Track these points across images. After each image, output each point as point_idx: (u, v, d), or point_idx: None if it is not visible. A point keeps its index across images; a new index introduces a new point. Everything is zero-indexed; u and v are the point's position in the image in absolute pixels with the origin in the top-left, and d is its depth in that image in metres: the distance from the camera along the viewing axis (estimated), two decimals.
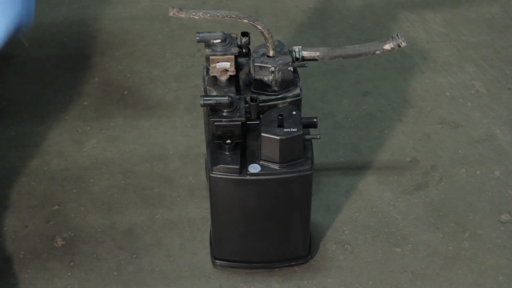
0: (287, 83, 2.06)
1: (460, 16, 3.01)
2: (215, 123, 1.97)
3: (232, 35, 2.09)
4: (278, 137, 1.93)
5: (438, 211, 2.33)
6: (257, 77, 2.05)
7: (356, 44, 2.27)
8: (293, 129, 1.94)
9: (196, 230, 2.27)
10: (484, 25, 2.97)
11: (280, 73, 2.03)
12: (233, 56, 2.03)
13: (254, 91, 2.06)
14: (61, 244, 2.24)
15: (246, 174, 1.97)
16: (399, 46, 2.05)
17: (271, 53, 2.05)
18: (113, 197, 2.36)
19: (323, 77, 2.75)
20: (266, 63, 2.03)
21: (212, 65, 2.04)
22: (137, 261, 2.20)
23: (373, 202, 2.35)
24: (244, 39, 2.11)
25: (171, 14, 1.97)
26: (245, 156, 1.99)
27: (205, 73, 2.10)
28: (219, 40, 2.04)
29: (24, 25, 2.17)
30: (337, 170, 2.44)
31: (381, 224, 2.29)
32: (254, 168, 1.97)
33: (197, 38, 2.04)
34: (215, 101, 1.96)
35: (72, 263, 2.20)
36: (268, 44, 2.04)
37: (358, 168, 2.44)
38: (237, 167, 1.96)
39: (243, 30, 2.12)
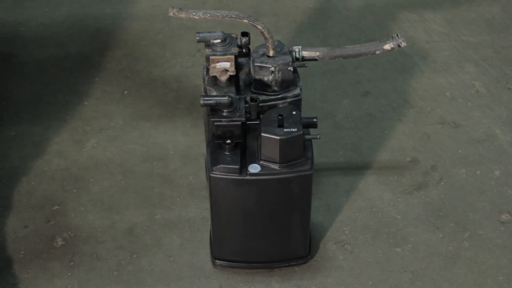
0: (287, 83, 2.06)
1: (460, 16, 3.01)
2: (215, 123, 1.97)
3: (232, 35, 2.08)
4: (278, 137, 1.93)
5: (438, 211, 2.32)
6: (257, 77, 2.04)
7: (356, 44, 2.27)
8: (293, 129, 1.94)
9: (196, 230, 2.27)
10: (484, 25, 2.97)
11: (280, 73, 2.03)
12: (233, 56, 2.03)
13: (254, 91, 2.06)
14: (61, 244, 2.24)
15: (246, 174, 1.97)
16: (399, 46, 2.05)
17: (271, 53, 2.05)
18: (113, 197, 2.36)
19: (323, 77, 2.75)
20: (266, 63, 2.03)
21: (212, 65, 2.04)
22: (137, 261, 2.20)
23: (373, 202, 2.35)
24: (244, 39, 2.11)
25: (171, 14, 1.97)
26: (245, 156, 1.99)
27: (205, 73, 2.10)
28: (219, 40, 2.04)
29: None
30: (337, 170, 2.44)
31: (381, 224, 2.29)
32: (254, 168, 1.97)
33: (197, 38, 2.04)
34: (215, 101, 1.96)
35: (72, 263, 2.19)
36: (268, 44, 2.04)
37: (358, 168, 2.44)
38: (237, 167, 1.96)
39: (243, 30, 2.12)
